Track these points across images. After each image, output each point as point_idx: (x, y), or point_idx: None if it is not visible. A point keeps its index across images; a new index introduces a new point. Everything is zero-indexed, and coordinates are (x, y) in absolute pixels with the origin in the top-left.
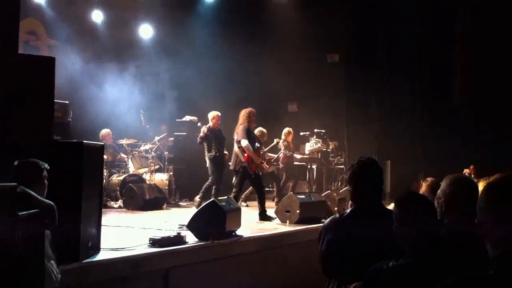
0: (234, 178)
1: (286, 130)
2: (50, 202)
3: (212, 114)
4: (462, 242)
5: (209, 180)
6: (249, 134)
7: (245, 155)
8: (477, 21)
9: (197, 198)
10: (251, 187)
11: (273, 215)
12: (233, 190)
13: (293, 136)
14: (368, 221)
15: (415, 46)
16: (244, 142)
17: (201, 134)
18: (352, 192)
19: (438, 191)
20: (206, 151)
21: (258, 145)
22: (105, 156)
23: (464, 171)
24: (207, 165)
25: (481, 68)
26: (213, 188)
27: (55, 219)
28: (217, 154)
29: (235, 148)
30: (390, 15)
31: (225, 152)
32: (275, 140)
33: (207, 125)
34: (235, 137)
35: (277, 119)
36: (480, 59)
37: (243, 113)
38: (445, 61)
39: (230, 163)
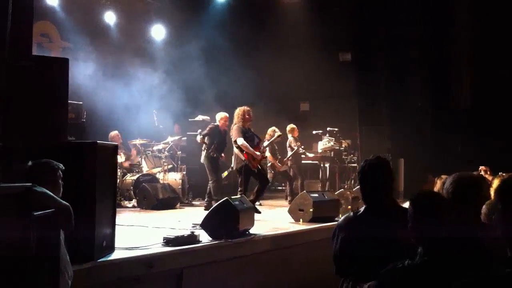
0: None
1: (289, 127)
2: (67, 203)
3: (220, 115)
4: (466, 241)
5: (210, 181)
6: (244, 133)
7: (245, 153)
8: (481, 24)
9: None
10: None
11: (260, 209)
12: (239, 190)
13: (300, 133)
14: (382, 220)
15: (423, 47)
16: (240, 141)
17: (200, 142)
18: (361, 191)
19: (443, 189)
20: (205, 149)
21: (258, 141)
22: (120, 158)
23: (480, 168)
24: (203, 161)
25: (489, 70)
26: (213, 187)
27: (71, 221)
28: (214, 155)
29: (234, 149)
30: (399, 16)
31: (222, 154)
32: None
33: (214, 123)
34: (232, 138)
35: (289, 118)
36: (487, 60)
37: (237, 112)
38: (453, 61)
39: (232, 164)
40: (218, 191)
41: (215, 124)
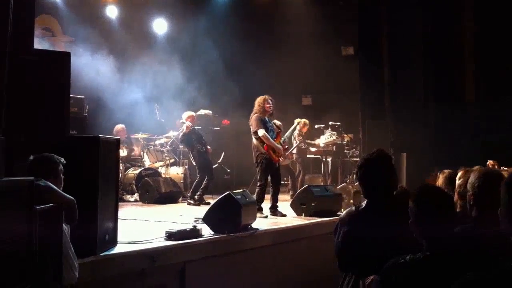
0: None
1: (302, 121)
2: (71, 197)
3: (187, 114)
4: (485, 237)
5: (198, 177)
6: (264, 123)
7: (265, 145)
8: (485, 17)
9: (195, 197)
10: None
11: (284, 212)
12: (258, 184)
13: (308, 129)
14: (385, 214)
15: (427, 41)
16: (261, 132)
17: (185, 130)
18: (361, 188)
19: (467, 184)
20: (190, 152)
21: (278, 132)
22: (121, 151)
23: (488, 163)
24: (194, 163)
25: (493, 63)
26: (204, 182)
27: (75, 215)
28: (202, 149)
29: (253, 140)
30: (402, 10)
31: (208, 146)
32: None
33: (181, 129)
34: (251, 128)
35: (292, 112)
36: (491, 54)
37: (257, 101)
38: (458, 55)
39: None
40: (206, 186)
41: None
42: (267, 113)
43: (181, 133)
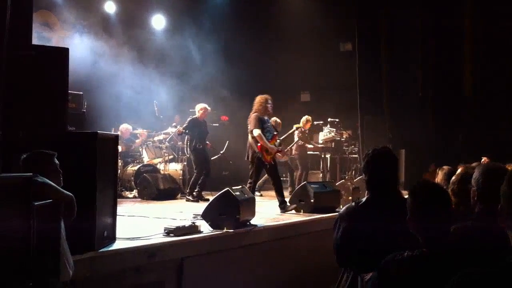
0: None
1: (304, 118)
2: (69, 193)
3: (199, 106)
4: (486, 234)
5: (195, 174)
6: (262, 123)
7: (258, 144)
8: (483, 12)
9: (194, 194)
10: (264, 176)
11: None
12: (249, 181)
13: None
14: (384, 210)
15: (425, 37)
16: (256, 132)
17: (177, 133)
18: (367, 181)
19: (472, 179)
20: (188, 143)
21: (275, 133)
22: (119, 147)
23: (483, 160)
24: (191, 157)
25: (492, 59)
26: (201, 178)
27: (74, 211)
28: (199, 146)
29: (249, 138)
30: (400, 6)
31: (207, 142)
32: (294, 126)
33: (193, 116)
34: (248, 126)
35: (290, 108)
36: (490, 50)
37: (257, 100)
38: (456, 52)
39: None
40: (202, 182)
41: (194, 116)
42: (266, 113)
43: (186, 123)
